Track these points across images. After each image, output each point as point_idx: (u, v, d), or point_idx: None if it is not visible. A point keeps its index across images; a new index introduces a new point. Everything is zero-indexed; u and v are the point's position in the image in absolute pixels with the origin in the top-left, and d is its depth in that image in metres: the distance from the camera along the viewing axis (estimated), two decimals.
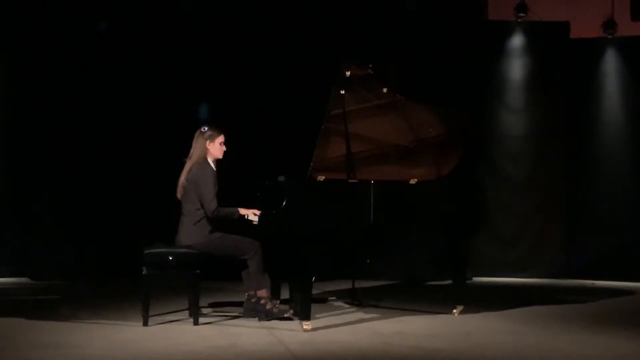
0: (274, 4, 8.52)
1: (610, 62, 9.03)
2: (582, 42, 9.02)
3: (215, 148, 6.06)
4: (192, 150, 6.08)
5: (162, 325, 5.89)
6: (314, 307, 5.97)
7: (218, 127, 6.11)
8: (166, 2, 8.43)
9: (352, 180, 6.05)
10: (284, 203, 5.79)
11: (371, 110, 6.47)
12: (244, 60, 8.46)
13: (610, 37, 8.95)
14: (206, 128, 6.07)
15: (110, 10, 8.30)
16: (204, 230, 5.98)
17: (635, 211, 8.83)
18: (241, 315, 6.16)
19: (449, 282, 6.98)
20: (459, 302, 6.52)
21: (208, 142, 6.04)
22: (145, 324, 5.79)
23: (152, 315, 5.90)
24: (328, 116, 6.15)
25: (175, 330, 5.72)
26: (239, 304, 6.29)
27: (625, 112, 9.03)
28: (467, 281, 7.71)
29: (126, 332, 5.60)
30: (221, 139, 6.08)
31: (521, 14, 8.94)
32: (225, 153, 6.10)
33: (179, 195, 6.06)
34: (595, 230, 8.93)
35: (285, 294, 6.63)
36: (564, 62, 9.03)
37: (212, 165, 6.06)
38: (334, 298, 7.24)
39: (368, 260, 7.34)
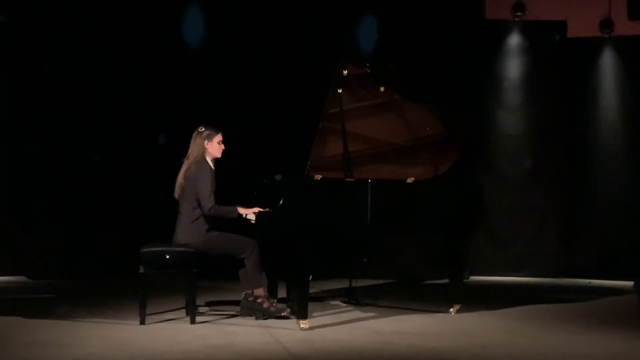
0: (272, 2, 8.51)
1: (607, 62, 9.05)
2: (579, 42, 9.03)
3: (214, 147, 6.06)
4: (190, 151, 6.07)
5: (159, 324, 5.89)
6: (311, 306, 5.97)
7: (215, 126, 6.11)
8: (165, 1, 8.42)
9: (349, 179, 6.05)
10: (281, 202, 5.79)
11: (368, 109, 6.48)
12: (242, 59, 8.45)
13: (607, 36, 8.96)
14: (203, 128, 6.07)
15: (110, 10, 8.28)
16: (201, 228, 5.98)
17: (632, 210, 8.84)
18: (238, 314, 6.16)
19: (445, 281, 6.98)
20: (455, 301, 6.53)
21: (206, 141, 6.04)
22: (142, 322, 5.79)
23: (149, 314, 5.89)
24: (325, 115, 6.15)
25: (172, 329, 5.71)
26: (236, 303, 6.29)
27: (622, 111, 9.04)
28: (464, 280, 7.71)
29: (123, 331, 5.60)
30: (219, 137, 6.08)
31: (518, 13, 8.95)
32: (223, 152, 6.11)
33: (176, 195, 6.06)
34: (591, 229, 8.95)
35: (282, 292, 6.63)
36: (561, 61, 9.05)
37: (211, 164, 6.06)
38: (331, 297, 7.24)
39: (365, 259, 7.34)
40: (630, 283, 7.91)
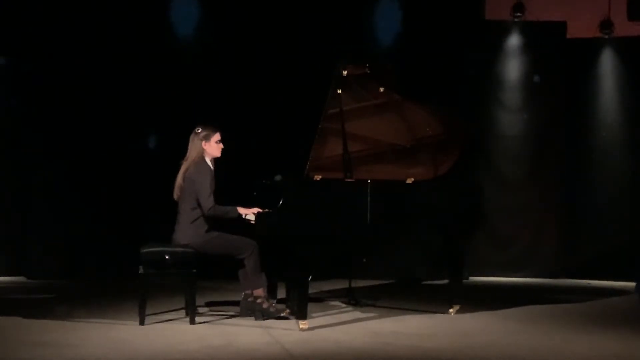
0: (272, 2, 8.51)
1: (607, 62, 9.05)
2: (578, 42, 9.03)
3: (212, 147, 6.05)
4: (188, 152, 6.06)
5: (158, 324, 5.89)
6: (311, 307, 5.97)
7: (212, 125, 6.10)
8: (164, 2, 8.42)
9: (349, 180, 6.05)
10: (280, 202, 5.79)
11: (368, 109, 6.47)
12: (242, 59, 8.45)
13: (607, 37, 8.96)
14: (200, 129, 6.06)
15: (109, 10, 8.28)
16: (200, 229, 5.97)
17: (631, 211, 8.84)
18: (238, 314, 6.15)
19: (445, 281, 6.98)
20: (455, 302, 6.53)
21: (204, 142, 6.03)
22: (142, 323, 5.79)
23: (148, 315, 5.89)
24: (325, 115, 6.14)
25: (171, 330, 5.71)
26: (236, 303, 6.29)
27: (622, 112, 9.04)
28: (464, 281, 7.70)
29: (122, 331, 5.60)
30: (217, 137, 6.07)
31: (518, 14, 8.96)
32: (222, 151, 6.10)
33: (175, 196, 6.05)
34: (591, 230, 8.95)
35: (282, 293, 6.63)
36: (561, 61, 9.05)
37: (210, 164, 6.06)
38: (330, 297, 7.23)
39: (364, 260, 7.34)
40: (630, 283, 7.92)
